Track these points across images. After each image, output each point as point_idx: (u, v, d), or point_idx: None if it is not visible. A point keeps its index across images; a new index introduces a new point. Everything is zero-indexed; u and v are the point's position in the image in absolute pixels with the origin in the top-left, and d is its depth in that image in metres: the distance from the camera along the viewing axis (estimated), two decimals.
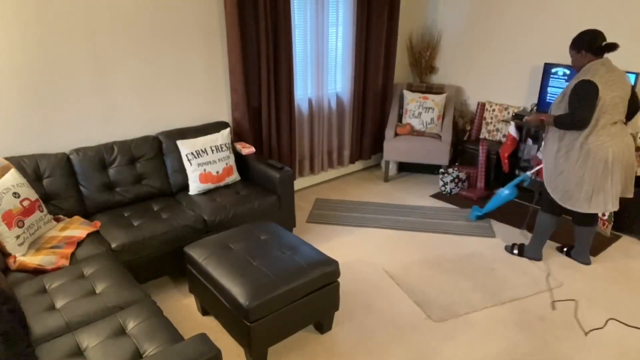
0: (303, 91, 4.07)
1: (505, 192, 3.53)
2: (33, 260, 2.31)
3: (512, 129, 4.02)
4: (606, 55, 2.67)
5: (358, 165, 4.93)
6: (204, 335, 1.73)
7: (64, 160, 2.84)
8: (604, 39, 2.63)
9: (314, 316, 2.41)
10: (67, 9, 2.75)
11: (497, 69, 4.55)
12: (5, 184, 2.38)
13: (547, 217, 3.03)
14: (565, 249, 3.31)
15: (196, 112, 3.50)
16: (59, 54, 2.79)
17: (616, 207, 2.76)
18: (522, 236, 3.58)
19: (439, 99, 4.49)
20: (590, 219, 3.01)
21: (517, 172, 4.22)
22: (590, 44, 2.63)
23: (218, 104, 3.61)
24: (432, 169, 4.83)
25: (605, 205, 2.74)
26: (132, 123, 3.20)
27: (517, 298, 2.84)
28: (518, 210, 3.99)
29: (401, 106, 4.70)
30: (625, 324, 2.61)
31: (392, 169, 4.83)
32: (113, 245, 2.57)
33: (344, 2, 4.06)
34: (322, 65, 4.08)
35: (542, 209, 3.06)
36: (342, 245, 3.46)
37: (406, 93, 4.60)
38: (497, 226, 3.75)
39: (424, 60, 4.89)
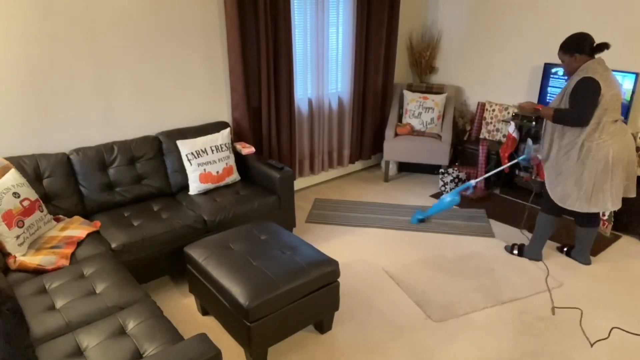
0: (303, 91, 4.07)
1: (447, 199, 3.57)
2: (33, 260, 2.31)
3: (512, 129, 4.02)
4: (599, 55, 2.68)
5: (358, 165, 4.93)
6: (204, 335, 1.73)
7: (64, 160, 2.84)
8: (593, 39, 2.67)
9: (314, 316, 2.41)
10: (68, 10, 2.75)
11: (497, 69, 4.55)
12: (5, 184, 2.38)
13: (547, 218, 3.03)
14: (565, 249, 3.31)
15: (196, 112, 3.50)
16: (59, 54, 2.79)
17: (618, 206, 2.76)
18: (522, 236, 3.59)
19: (439, 99, 4.49)
20: (592, 220, 3.01)
21: (517, 172, 4.22)
22: (584, 46, 2.65)
23: (218, 104, 3.61)
24: (432, 169, 4.83)
25: (605, 204, 2.75)
26: (132, 123, 3.20)
27: (517, 298, 2.84)
28: (516, 209, 3.99)
29: (401, 106, 4.70)
30: (627, 332, 2.61)
31: (392, 169, 4.83)
32: (113, 245, 2.57)
33: (344, 2, 4.06)
34: (322, 65, 4.08)
35: (542, 210, 3.06)
36: (342, 245, 3.46)
37: (406, 93, 4.60)
38: (497, 226, 3.75)
39: (424, 60, 4.90)
